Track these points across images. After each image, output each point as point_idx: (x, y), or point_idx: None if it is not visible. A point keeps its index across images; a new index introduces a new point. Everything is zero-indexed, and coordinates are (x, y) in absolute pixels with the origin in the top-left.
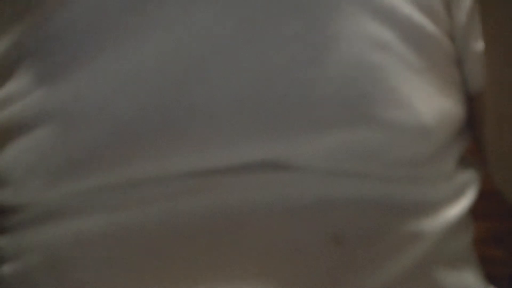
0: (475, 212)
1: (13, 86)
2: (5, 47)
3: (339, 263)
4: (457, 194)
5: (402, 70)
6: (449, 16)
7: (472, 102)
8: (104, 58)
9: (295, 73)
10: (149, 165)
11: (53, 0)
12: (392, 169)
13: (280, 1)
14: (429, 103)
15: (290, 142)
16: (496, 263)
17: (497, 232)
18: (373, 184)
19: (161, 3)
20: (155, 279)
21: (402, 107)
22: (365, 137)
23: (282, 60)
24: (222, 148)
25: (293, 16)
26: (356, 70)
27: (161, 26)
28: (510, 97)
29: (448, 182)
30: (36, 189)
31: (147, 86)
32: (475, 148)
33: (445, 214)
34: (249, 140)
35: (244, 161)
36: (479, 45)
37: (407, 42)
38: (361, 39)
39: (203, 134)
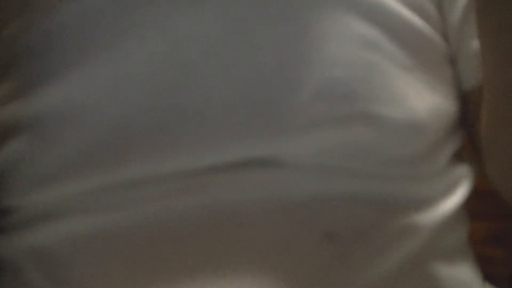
0: (475, 212)
1: (3, 88)
2: None
3: (333, 260)
4: (450, 189)
5: (392, 68)
6: (440, 14)
7: (466, 100)
8: (96, 60)
9: (285, 73)
10: (143, 166)
11: (44, 3)
12: (385, 166)
13: (270, 3)
14: (421, 100)
15: (283, 140)
16: (496, 263)
17: (497, 232)
18: (366, 181)
19: (152, 6)
20: (151, 278)
21: (393, 104)
22: (357, 134)
23: (273, 61)
24: (215, 148)
25: (282, 17)
26: (346, 69)
27: (153, 29)
28: (509, 97)
29: (442, 178)
30: (28, 191)
31: (139, 88)
32: (469, 146)
33: (439, 209)
34: (242, 140)
35: (237, 160)
36: (473, 43)
37: (396, 40)
38: (350, 38)
39: (196, 134)
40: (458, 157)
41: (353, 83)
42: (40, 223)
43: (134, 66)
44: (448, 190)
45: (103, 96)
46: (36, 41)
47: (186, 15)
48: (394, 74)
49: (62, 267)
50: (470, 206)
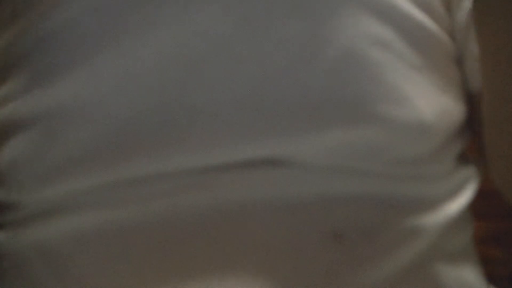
0: (475, 212)
1: (10, 85)
2: (3, 46)
3: (339, 260)
4: (456, 191)
5: (402, 68)
6: (449, 15)
7: (473, 101)
8: (103, 57)
9: (295, 72)
10: (149, 163)
11: None
12: (392, 166)
13: (280, 0)
14: (429, 100)
15: (291, 140)
16: (496, 263)
17: (497, 232)
18: (373, 181)
19: (160, 3)
20: (155, 276)
21: (402, 105)
22: (366, 135)
23: (282, 59)
24: (223, 146)
25: (293, 15)
26: (356, 68)
27: (160, 26)
28: (506, 102)
29: (448, 179)
30: (34, 187)
31: (146, 85)
32: (474, 146)
33: (444, 210)
34: (250, 138)
35: (245, 159)
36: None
37: (407, 40)
38: (361, 37)
39: (204, 132)
40: (464, 158)
41: (363, 83)
42: (46, 219)
43: (142, 63)
44: (454, 192)
45: (110, 92)
46: (43, 38)
47: (195, 12)
48: (403, 74)
49: (67, 264)
50: (470, 205)
